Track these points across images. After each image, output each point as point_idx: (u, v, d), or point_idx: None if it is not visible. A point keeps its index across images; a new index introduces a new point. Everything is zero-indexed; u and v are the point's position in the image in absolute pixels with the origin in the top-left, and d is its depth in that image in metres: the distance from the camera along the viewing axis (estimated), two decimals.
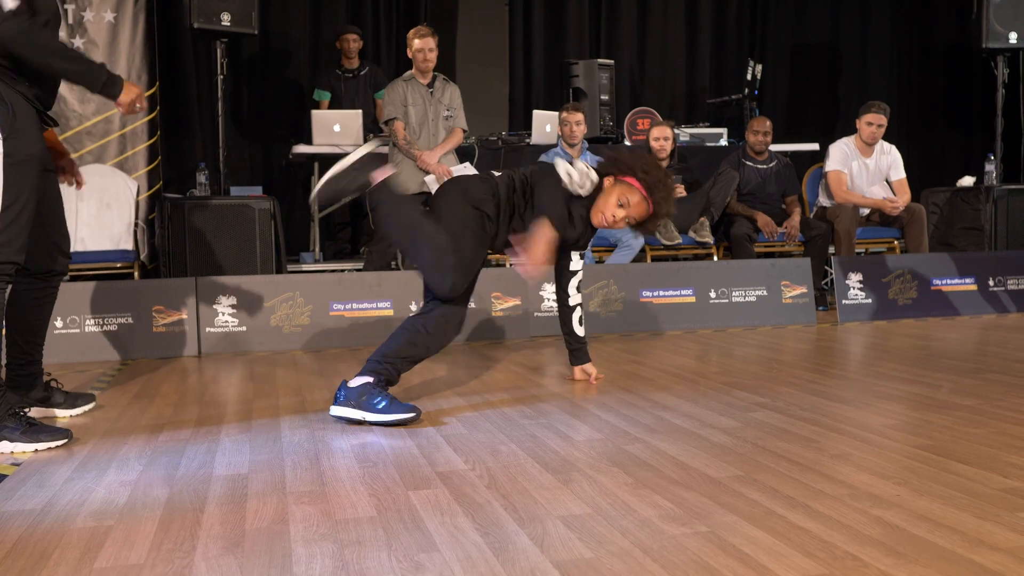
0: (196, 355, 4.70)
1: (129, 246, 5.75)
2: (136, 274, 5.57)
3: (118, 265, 5.58)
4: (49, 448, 2.77)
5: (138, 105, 2.94)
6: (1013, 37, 6.84)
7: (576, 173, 3.26)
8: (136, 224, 5.86)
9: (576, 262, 3.59)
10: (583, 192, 3.29)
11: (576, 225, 3.35)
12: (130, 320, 4.67)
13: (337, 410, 3.02)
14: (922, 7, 8.87)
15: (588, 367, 3.71)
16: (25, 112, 2.72)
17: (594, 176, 3.31)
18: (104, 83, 2.84)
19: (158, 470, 2.50)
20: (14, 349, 3.06)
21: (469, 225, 3.13)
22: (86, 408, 3.27)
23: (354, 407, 2.99)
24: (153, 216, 6.03)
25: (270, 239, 5.59)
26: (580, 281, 3.62)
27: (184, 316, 4.73)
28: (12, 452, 2.74)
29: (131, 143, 6.07)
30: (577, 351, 3.71)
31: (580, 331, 3.66)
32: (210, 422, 3.10)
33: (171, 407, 3.38)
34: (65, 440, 2.81)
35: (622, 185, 3.28)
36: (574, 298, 3.63)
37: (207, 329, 4.75)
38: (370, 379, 3.02)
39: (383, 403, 2.97)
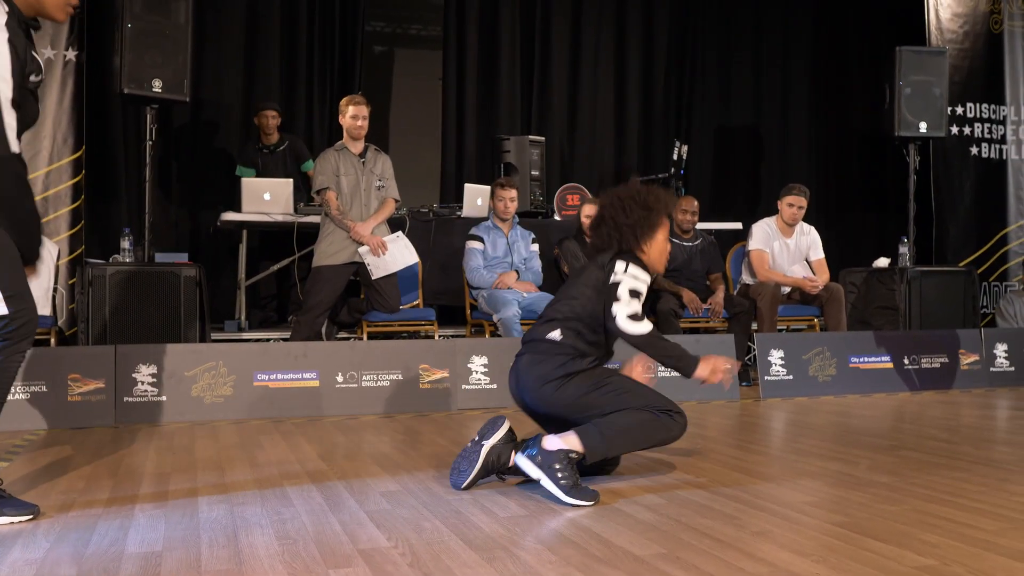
0: (112, 425, 4.55)
1: (47, 312, 5.59)
2: (53, 340, 5.41)
3: None
4: (12, 523, 2.65)
5: None
6: (923, 127, 7.18)
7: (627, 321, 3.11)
8: (55, 289, 5.71)
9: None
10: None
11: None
12: (44, 388, 4.52)
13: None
14: (838, 96, 9.28)
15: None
16: None
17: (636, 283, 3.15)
18: None
19: (67, 547, 2.41)
20: None
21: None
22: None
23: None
24: (73, 281, 5.88)
25: (194, 307, 5.49)
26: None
27: (101, 385, 4.60)
28: None
29: (53, 206, 5.95)
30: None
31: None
32: (124, 496, 3.00)
33: (83, 480, 3.26)
34: (31, 516, 2.69)
35: (658, 235, 3.28)
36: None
37: (125, 399, 4.62)
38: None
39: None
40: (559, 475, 2.89)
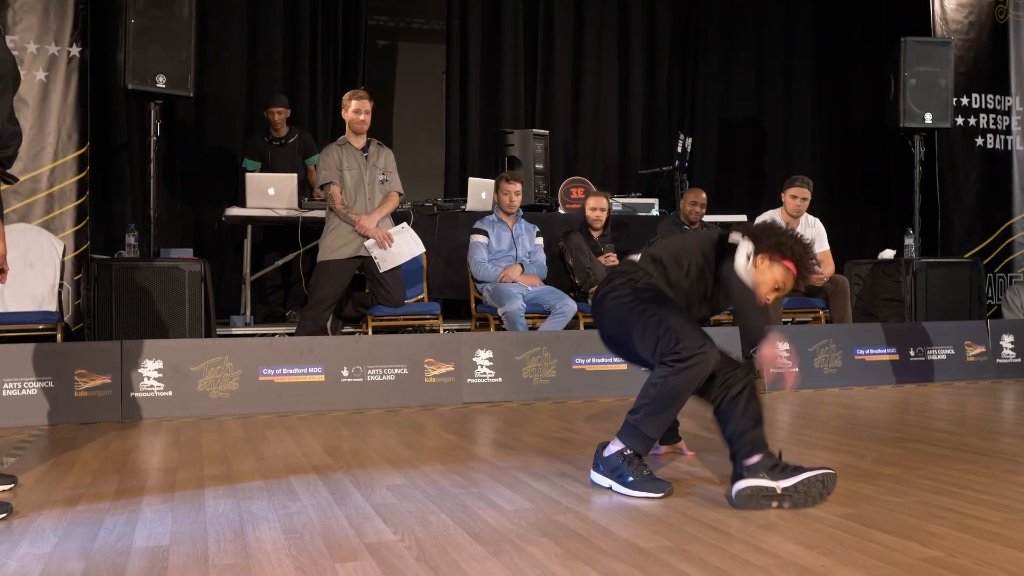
0: (119, 421, 4.57)
1: (52, 307, 5.60)
2: (59, 336, 5.41)
3: (40, 327, 5.42)
4: None
5: None
6: (928, 117, 7.16)
7: (745, 270, 3.04)
8: (61, 285, 5.72)
9: None
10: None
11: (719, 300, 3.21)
12: (51, 384, 4.53)
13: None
14: (842, 87, 9.25)
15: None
16: None
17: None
18: None
19: (74, 542, 2.42)
20: None
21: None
22: (4, 488, 3.08)
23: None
24: (79, 277, 5.89)
25: (200, 302, 5.49)
26: None
27: (108, 380, 4.61)
28: None
29: (59, 203, 5.96)
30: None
31: None
32: (131, 491, 3.01)
33: (90, 475, 3.27)
34: (4, 515, 2.69)
35: (779, 268, 3.07)
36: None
37: (131, 394, 4.63)
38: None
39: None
40: (622, 475, 2.91)
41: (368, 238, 5.54)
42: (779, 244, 3.08)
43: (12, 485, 3.05)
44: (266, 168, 6.87)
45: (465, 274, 6.31)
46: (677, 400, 2.91)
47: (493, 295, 5.92)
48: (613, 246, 6.38)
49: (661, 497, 2.82)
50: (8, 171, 2.88)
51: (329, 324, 5.78)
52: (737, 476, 2.79)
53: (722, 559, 2.20)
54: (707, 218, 6.81)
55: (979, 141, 8.10)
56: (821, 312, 6.46)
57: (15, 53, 5.81)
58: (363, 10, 8.00)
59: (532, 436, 3.98)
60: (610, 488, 2.93)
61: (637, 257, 3.20)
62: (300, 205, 6.32)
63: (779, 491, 2.71)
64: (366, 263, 5.63)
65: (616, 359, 5.35)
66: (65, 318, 5.71)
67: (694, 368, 2.83)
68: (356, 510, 2.73)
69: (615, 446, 2.96)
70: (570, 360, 5.29)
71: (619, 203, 7.20)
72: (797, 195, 6.33)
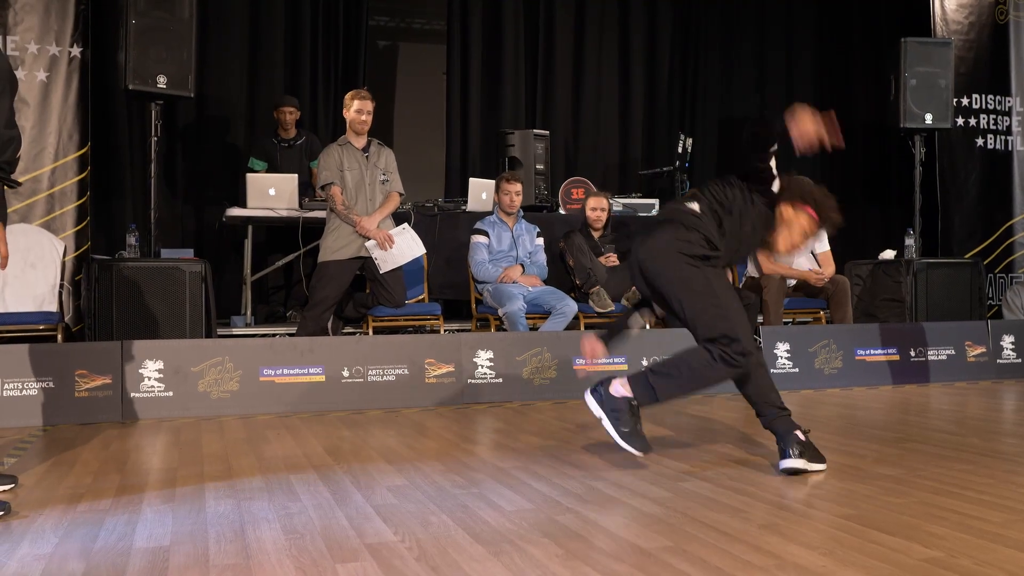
0: (120, 421, 4.57)
1: (53, 308, 5.61)
2: (59, 336, 5.42)
3: (40, 327, 5.42)
4: None
5: None
6: (929, 118, 7.16)
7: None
8: (61, 285, 5.72)
9: None
10: None
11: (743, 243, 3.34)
12: (51, 384, 4.53)
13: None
14: (843, 88, 9.24)
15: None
16: None
17: None
18: None
19: (75, 543, 2.42)
20: None
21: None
22: (4, 488, 3.10)
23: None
24: (80, 277, 5.89)
25: (200, 302, 5.49)
26: None
27: (108, 381, 4.61)
28: None
29: (59, 203, 5.96)
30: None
31: None
32: (132, 491, 3.01)
33: (91, 475, 3.27)
34: (2, 513, 2.69)
35: (803, 215, 3.35)
36: None
37: (132, 394, 4.63)
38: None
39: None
40: (619, 420, 3.10)
41: (369, 239, 5.54)
42: (802, 193, 3.38)
43: (12, 485, 3.05)
44: (273, 169, 6.86)
45: (466, 274, 6.31)
46: (708, 387, 3.17)
47: (494, 295, 5.92)
48: (614, 246, 6.38)
49: (641, 456, 3.13)
50: (11, 176, 2.87)
51: (330, 325, 5.78)
52: (783, 453, 3.17)
53: (722, 559, 2.20)
54: None
55: (979, 141, 8.09)
56: (822, 312, 6.45)
57: (15, 54, 5.82)
58: (364, 10, 8.00)
59: (532, 436, 3.98)
60: (599, 420, 3.14)
61: (696, 206, 3.26)
62: (301, 206, 6.32)
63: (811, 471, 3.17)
64: (367, 264, 5.63)
65: (617, 358, 5.39)
66: (66, 318, 5.72)
67: (740, 369, 3.11)
68: (357, 510, 2.73)
69: (625, 391, 3.11)
70: (570, 360, 5.29)
71: (619, 203, 7.20)
72: None
